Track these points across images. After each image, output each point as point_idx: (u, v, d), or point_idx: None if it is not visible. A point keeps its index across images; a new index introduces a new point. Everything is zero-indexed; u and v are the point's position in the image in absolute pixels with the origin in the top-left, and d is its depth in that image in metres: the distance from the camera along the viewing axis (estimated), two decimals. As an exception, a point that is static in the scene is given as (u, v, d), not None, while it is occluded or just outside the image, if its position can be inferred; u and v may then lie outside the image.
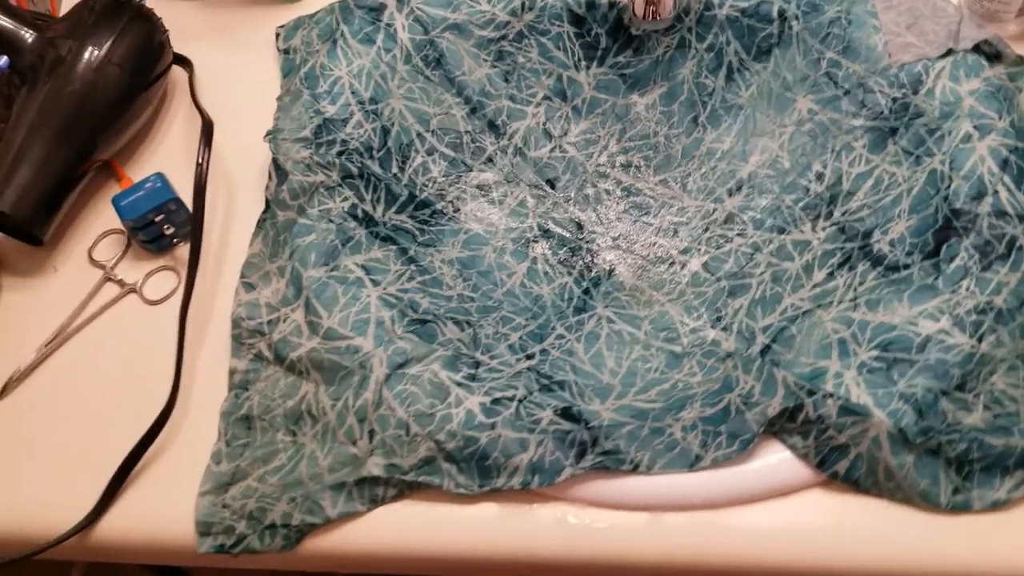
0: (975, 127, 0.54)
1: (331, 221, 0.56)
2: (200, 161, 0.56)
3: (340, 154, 0.59)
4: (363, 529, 0.49)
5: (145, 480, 0.52)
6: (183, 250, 0.59)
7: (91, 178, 0.60)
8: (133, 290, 0.57)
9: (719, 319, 0.57)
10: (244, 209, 0.60)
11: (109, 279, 0.58)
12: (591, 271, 0.61)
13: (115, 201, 0.56)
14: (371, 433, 0.50)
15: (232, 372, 0.54)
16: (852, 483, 0.48)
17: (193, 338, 0.56)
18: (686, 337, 0.57)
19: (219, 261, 0.58)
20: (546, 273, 0.60)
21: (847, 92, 0.60)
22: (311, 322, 0.53)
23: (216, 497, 0.51)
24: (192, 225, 0.55)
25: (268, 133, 0.59)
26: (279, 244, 0.56)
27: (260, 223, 0.57)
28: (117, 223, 0.59)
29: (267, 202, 0.57)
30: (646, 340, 0.57)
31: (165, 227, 0.57)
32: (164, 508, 0.51)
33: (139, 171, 0.62)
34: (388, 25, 0.63)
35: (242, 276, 0.56)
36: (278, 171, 0.57)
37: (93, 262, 0.59)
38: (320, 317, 0.53)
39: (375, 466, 0.49)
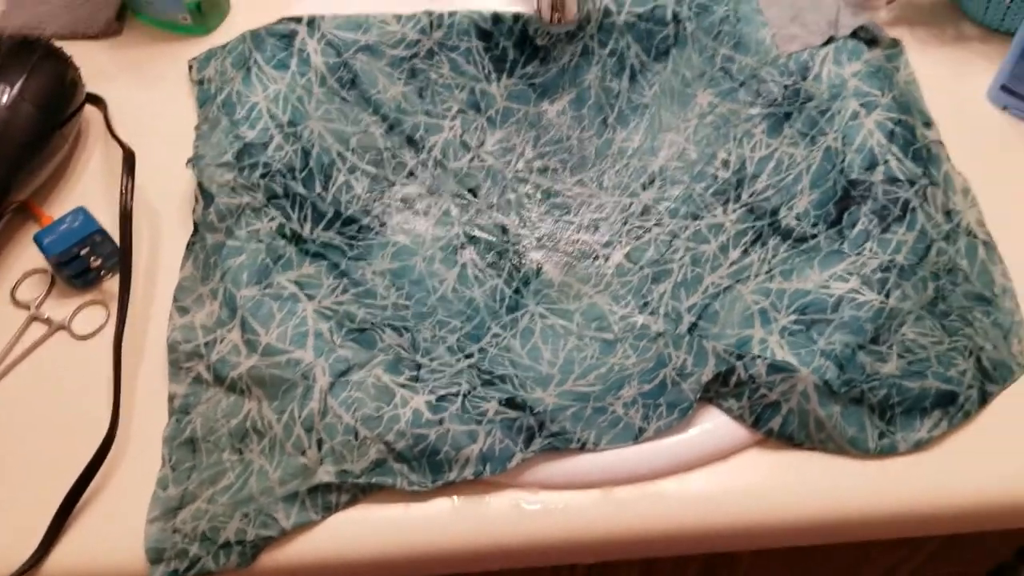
0: (861, 104, 0.59)
1: (260, 241, 0.57)
2: (124, 190, 0.56)
3: (263, 176, 0.59)
4: (319, 538, 0.50)
5: (90, 514, 0.51)
6: (111, 283, 0.58)
7: (8, 220, 0.59)
8: (62, 327, 0.56)
9: (646, 304, 0.60)
10: (169, 238, 0.60)
11: (36, 318, 0.57)
12: (519, 271, 0.63)
13: (37, 238, 0.56)
14: (319, 442, 0.51)
15: (172, 397, 0.54)
16: (787, 439, 0.50)
17: (129, 367, 0.55)
18: (616, 324, 0.59)
19: (149, 289, 0.58)
20: (476, 277, 0.62)
21: (742, 84, 0.63)
22: (248, 340, 0.54)
23: (166, 523, 0.50)
24: (120, 252, 0.55)
25: (190, 159, 0.59)
26: (210, 267, 0.56)
27: (190, 247, 0.58)
28: (38, 263, 0.59)
29: (195, 225, 0.58)
30: (579, 331, 0.59)
31: (92, 259, 0.56)
32: (112, 541, 0.50)
33: (58, 210, 0.61)
34: (301, 50, 0.64)
35: (175, 300, 0.56)
36: (204, 194, 0.57)
37: (16, 303, 0.58)
38: (257, 334, 0.53)
39: (326, 473, 0.50)
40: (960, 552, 0.60)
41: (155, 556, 0.49)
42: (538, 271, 0.63)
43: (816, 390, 0.49)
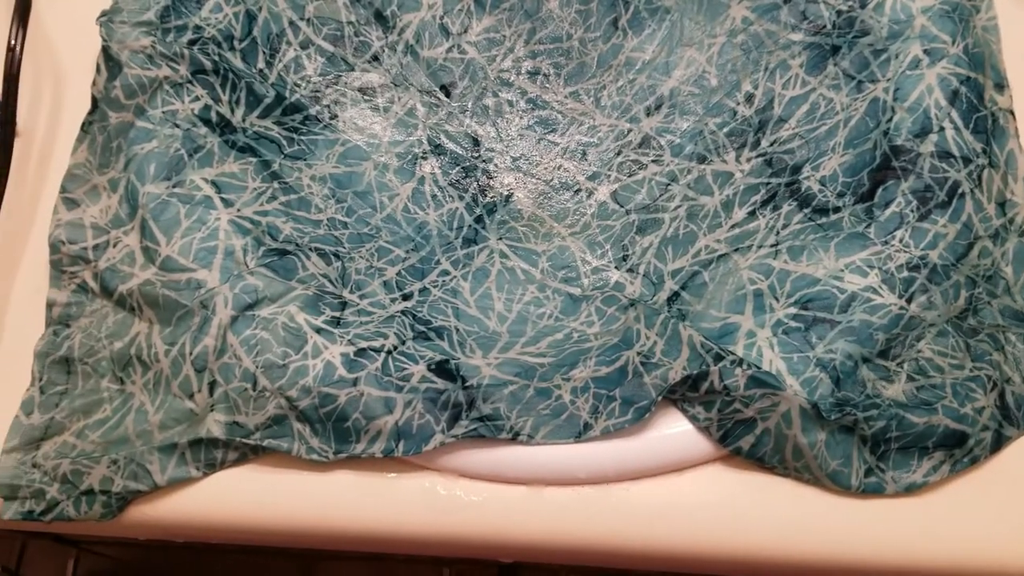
0: (925, 51, 0.47)
1: (176, 126, 0.47)
2: (13, 43, 0.46)
3: (192, 43, 0.49)
4: (199, 496, 0.43)
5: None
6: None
7: None
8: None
9: (625, 258, 0.51)
10: (77, 109, 0.50)
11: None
12: (486, 195, 0.53)
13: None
14: (212, 385, 0.43)
15: (50, 305, 0.46)
16: (756, 460, 0.43)
17: (6, 266, 0.47)
18: (587, 278, 0.50)
19: (42, 171, 0.49)
20: (434, 196, 0.52)
21: (787, 0, 0.52)
22: (146, 248, 0.45)
23: (25, 455, 0.43)
24: (2, 122, 0.46)
25: (102, 14, 0.48)
26: (110, 152, 0.47)
27: (86, 127, 0.48)
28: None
29: (94, 101, 0.48)
30: (542, 279, 0.50)
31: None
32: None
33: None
34: None
35: (62, 190, 0.47)
36: (109, 62, 0.47)
37: None
38: (158, 243, 0.45)
39: (215, 424, 0.42)
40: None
41: (9, 493, 0.43)
42: (507, 198, 0.53)
43: (802, 414, 0.41)
